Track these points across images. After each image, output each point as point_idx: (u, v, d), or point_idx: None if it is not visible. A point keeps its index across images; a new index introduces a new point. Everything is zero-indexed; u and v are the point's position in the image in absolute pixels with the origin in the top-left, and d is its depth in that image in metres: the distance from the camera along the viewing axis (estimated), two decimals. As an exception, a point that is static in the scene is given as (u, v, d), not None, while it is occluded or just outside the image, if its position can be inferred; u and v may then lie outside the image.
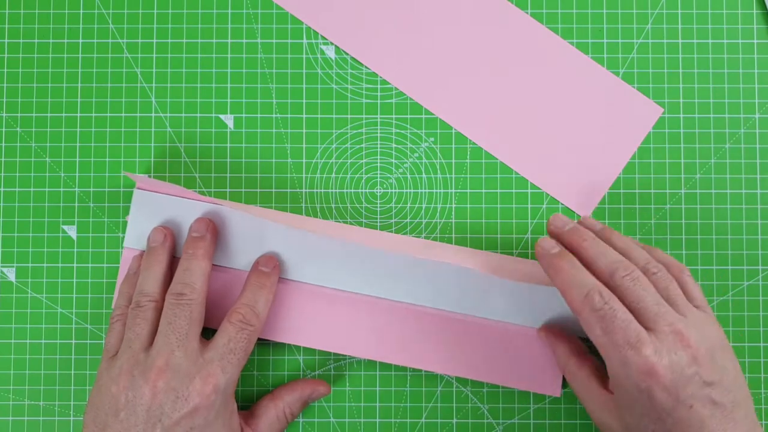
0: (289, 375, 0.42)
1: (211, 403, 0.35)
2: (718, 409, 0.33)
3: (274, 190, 0.42)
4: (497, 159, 0.43)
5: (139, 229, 0.41)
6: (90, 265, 0.42)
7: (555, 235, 0.37)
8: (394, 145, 0.43)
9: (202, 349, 0.37)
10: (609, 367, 0.35)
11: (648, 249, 0.38)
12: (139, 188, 0.41)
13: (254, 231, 0.41)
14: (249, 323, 0.38)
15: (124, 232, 0.42)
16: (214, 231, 0.40)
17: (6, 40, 0.43)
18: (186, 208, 0.40)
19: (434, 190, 0.43)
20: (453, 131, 0.43)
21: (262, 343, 0.42)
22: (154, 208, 0.41)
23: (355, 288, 0.41)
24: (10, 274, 0.42)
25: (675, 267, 0.37)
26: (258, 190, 0.42)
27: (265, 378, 0.42)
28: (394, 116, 0.43)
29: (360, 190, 0.43)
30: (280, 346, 0.42)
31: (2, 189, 0.42)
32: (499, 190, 0.43)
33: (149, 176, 0.42)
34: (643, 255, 0.36)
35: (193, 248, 0.39)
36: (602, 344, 0.34)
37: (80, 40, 0.43)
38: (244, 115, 0.43)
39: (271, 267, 0.40)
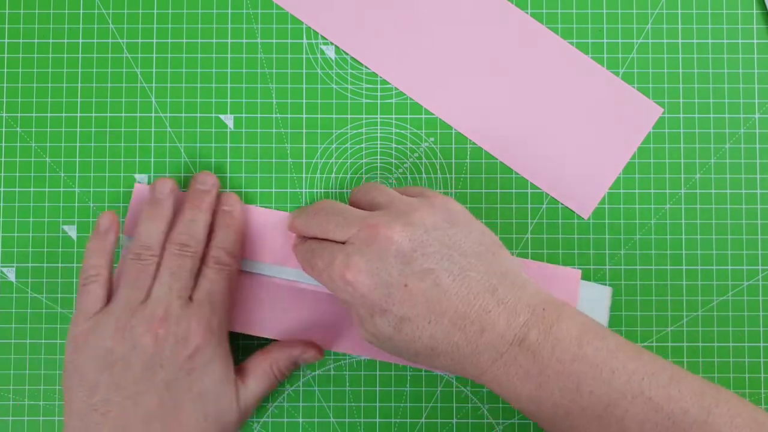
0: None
1: (208, 342, 0.36)
2: (443, 276, 0.33)
3: (274, 190, 0.42)
4: (497, 159, 0.43)
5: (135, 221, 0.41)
6: (90, 265, 0.42)
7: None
8: (394, 145, 0.43)
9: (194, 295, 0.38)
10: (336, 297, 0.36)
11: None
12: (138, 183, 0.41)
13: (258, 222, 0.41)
14: (224, 263, 0.38)
15: (124, 232, 0.42)
16: (218, 186, 0.40)
17: (6, 40, 0.43)
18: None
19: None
20: (453, 131, 0.43)
21: (263, 343, 0.42)
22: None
23: None
24: (10, 274, 0.42)
25: (398, 189, 0.39)
26: (258, 190, 0.42)
27: (265, 378, 0.42)
28: (394, 116, 0.43)
29: (360, 190, 0.43)
30: (280, 346, 0.42)
31: (2, 189, 0.42)
32: (499, 190, 0.43)
33: (150, 176, 0.42)
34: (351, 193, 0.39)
35: (199, 200, 0.39)
36: (320, 282, 0.36)
37: (80, 40, 0.43)
38: (244, 115, 0.43)
39: (231, 204, 0.40)
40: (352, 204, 0.38)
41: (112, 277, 0.38)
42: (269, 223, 0.41)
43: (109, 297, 0.38)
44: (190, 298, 0.37)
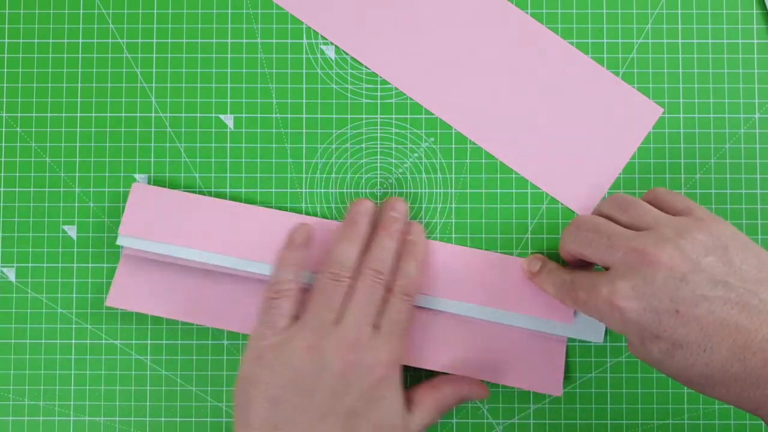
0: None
1: (392, 373, 0.36)
2: (718, 303, 0.31)
3: (274, 190, 0.42)
4: (497, 159, 0.43)
5: (134, 221, 0.41)
6: (90, 265, 0.42)
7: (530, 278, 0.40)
8: (394, 145, 0.43)
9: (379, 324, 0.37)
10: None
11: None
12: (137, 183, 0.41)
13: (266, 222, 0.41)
14: (408, 293, 0.38)
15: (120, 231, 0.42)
16: (407, 214, 0.40)
17: (6, 40, 0.43)
18: (186, 203, 0.41)
19: (434, 190, 0.43)
20: (453, 131, 0.43)
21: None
22: (153, 202, 0.41)
23: None
24: (10, 274, 0.42)
25: (648, 194, 0.37)
26: (258, 190, 0.42)
27: (265, 378, 0.42)
28: (394, 116, 0.43)
29: (360, 190, 0.43)
30: (280, 346, 0.42)
31: (2, 189, 0.42)
32: (499, 190, 0.43)
33: (150, 176, 0.42)
34: (600, 206, 0.38)
35: (391, 228, 0.39)
36: (582, 310, 0.35)
37: (80, 40, 0.43)
38: (244, 115, 0.43)
39: (414, 233, 0.40)
40: (599, 214, 0.37)
41: (301, 293, 0.38)
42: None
43: (297, 313, 0.38)
44: (376, 326, 0.37)
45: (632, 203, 0.36)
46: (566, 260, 0.38)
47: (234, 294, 0.41)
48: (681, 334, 0.32)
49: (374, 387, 0.36)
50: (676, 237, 0.33)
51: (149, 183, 0.42)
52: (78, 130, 0.43)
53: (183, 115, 0.43)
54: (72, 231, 0.42)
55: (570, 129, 0.43)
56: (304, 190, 0.43)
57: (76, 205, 0.42)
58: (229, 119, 0.43)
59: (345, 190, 0.43)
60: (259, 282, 0.41)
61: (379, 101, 0.43)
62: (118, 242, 0.41)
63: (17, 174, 0.43)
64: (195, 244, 0.40)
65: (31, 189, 0.42)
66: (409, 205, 0.41)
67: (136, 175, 0.42)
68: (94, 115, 0.43)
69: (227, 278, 0.41)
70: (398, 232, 0.39)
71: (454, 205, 0.43)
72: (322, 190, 0.43)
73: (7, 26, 0.43)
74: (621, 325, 0.33)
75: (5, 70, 0.43)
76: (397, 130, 0.43)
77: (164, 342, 0.42)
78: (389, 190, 0.43)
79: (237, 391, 0.36)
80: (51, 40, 0.43)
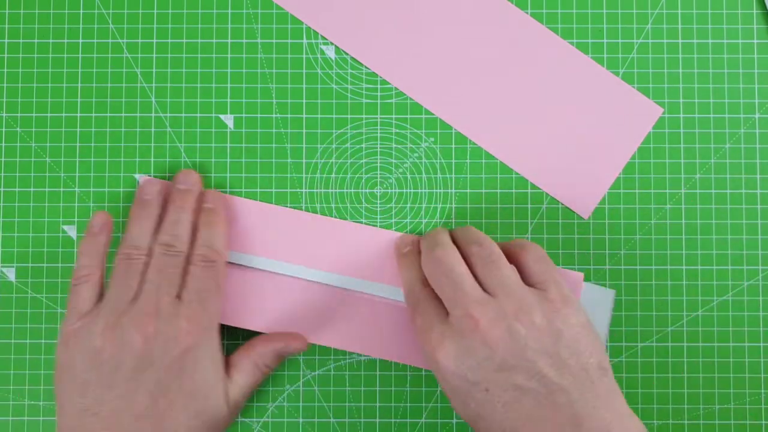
0: (289, 375, 0.42)
1: (198, 340, 0.36)
2: (528, 395, 0.33)
3: (274, 190, 0.42)
4: (497, 159, 0.43)
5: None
6: (90, 265, 0.42)
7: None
8: (394, 145, 0.43)
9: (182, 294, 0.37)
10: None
11: (514, 243, 0.39)
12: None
13: (261, 216, 0.41)
14: (210, 260, 0.38)
15: (124, 231, 0.42)
16: (199, 183, 0.41)
17: (6, 40, 0.43)
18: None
19: (434, 190, 0.43)
20: (453, 131, 0.43)
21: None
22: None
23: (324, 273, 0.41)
24: (10, 274, 0.42)
25: (516, 245, 0.38)
26: (258, 190, 0.42)
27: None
28: (394, 116, 0.43)
29: (360, 190, 0.43)
30: (280, 346, 0.42)
31: (2, 189, 0.42)
32: (499, 190, 0.43)
33: (150, 176, 0.42)
34: (472, 236, 0.38)
35: (181, 200, 0.39)
36: (415, 332, 0.37)
37: (80, 40, 0.43)
38: (244, 115, 0.43)
39: (211, 200, 0.40)
40: (462, 242, 0.38)
41: (103, 278, 0.38)
42: (255, 214, 0.41)
43: (101, 298, 0.38)
44: (179, 297, 0.37)
45: (494, 260, 0.36)
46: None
47: (236, 289, 0.41)
48: (487, 409, 0.33)
49: (181, 357, 0.36)
50: (514, 316, 0.34)
51: (149, 183, 0.42)
52: (78, 130, 0.43)
53: (183, 115, 0.43)
54: (72, 231, 0.42)
55: (570, 129, 0.43)
56: (304, 190, 0.43)
57: (76, 205, 0.42)
58: (229, 119, 0.43)
59: (345, 190, 0.43)
60: (246, 272, 0.41)
61: (379, 101, 0.43)
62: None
63: (17, 174, 0.43)
64: None
65: (31, 189, 0.42)
66: (201, 175, 0.41)
67: (136, 176, 0.42)
68: (94, 115, 0.43)
69: (230, 273, 0.41)
70: (190, 203, 0.39)
71: (454, 205, 0.43)
72: (322, 190, 0.43)
73: (7, 26, 0.43)
74: (437, 374, 0.35)
75: (5, 70, 0.43)
76: (397, 130, 0.43)
77: (164, 342, 0.42)
78: (389, 190, 0.43)
79: (54, 379, 0.37)
80: (51, 40, 0.43)
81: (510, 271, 0.36)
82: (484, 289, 0.35)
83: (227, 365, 0.39)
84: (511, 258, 0.37)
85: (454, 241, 0.38)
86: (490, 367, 0.33)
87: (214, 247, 0.39)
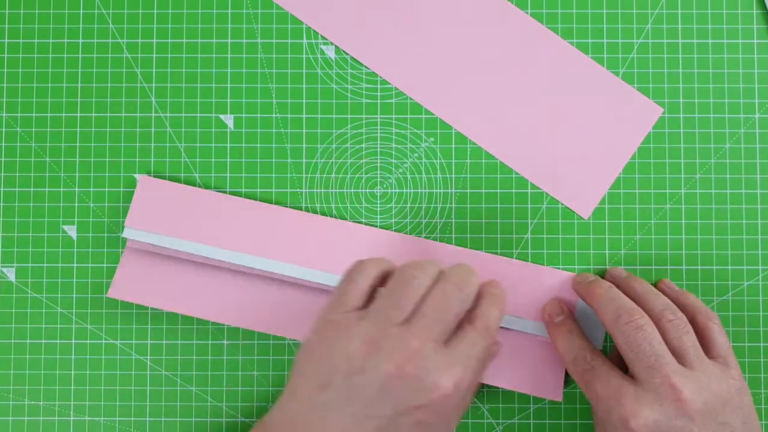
0: (289, 375, 0.42)
1: (449, 401, 0.33)
2: None
3: (274, 190, 0.42)
4: (497, 159, 0.43)
5: (141, 214, 0.41)
6: (90, 265, 0.42)
7: (577, 288, 0.40)
8: (394, 145, 0.43)
9: (448, 346, 0.34)
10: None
11: (679, 294, 0.40)
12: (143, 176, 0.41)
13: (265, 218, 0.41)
14: (490, 334, 0.36)
15: (126, 223, 0.42)
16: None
17: (6, 40, 0.43)
18: (193, 197, 0.41)
19: (434, 190, 0.43)
20: (453, 131, 0.43)
21: (263, 344, 0.42)
22: (159, 194, 0.41)
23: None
24: (10, 274, 0.42)
25: (702, 314, 0.38)
26: (258, 190, 0.42)
27: (265, 378, 0.42)
28: (394, 116, 0.43)
29: (360, 190, 0.43)
30: (280, 346, 0.42)
31: (2, 189, 0.42)
32: (499, 190, 0.43)
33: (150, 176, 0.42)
34: (661, 301, 0.38)
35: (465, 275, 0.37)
36: (590, 399, 0.37)
37: (80, 40, 0.43)
38: (244, 115, 0.43)
39: (500, 289, 0.38)
40: (654, 313, 0.37)
41: (376, 285, 0.37)
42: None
43: (370, 299, 0.36)
44: (445, 344, 0.34)
45: (688, 331, 0.37)
46: (582, 296, 0.40)
47: (238, 289, 0.41)
48: None
49: (425, 407, 0.33)
50: (707, 389, 0.35)
51: (149, 183, 0.42)
52: (78, 130, 0.43)
53: (183, 115, 0.43)
54: (72, 231, 0.42)
55: (570, 129, 0.43)
56: (304, 190, 0.43)
57: (76, 205, 0.42)
58: (229, 119, 0.43)
59: (345, 190, 0.43)
60: (265, 279, 0.41)
61: (379, 101, 0.43)
62: (123, 235, 0.41)
63: (17, 174, 0.43)
64: (201, 239, 0.41)
65: (31, 189, 0.42)
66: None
67: (136, 176, 0.42)
68: (94, 115, 0.43)
69: (231, 273, 0.41)
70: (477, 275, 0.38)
71: (454, 205, 0.43)
72: (322, 190, 0.43)
73: (7, 26, 0.43)
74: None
75: (5, 70, 0.43)
76: (397, 130, 0.43)
77: (164, 342, 0.42)
78: (389, 190, 0.43)
79: (297, 355, 0.35)
80: (51, 40, 0.43)
81: (698, 343, 0.37)
82: (677, 359, 0.36)
83: None
84: (693, 323, 0.38)
85: (632, 297, 0.38)
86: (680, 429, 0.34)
87: (495, 323, 0.36)
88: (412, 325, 0.34)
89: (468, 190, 0.43)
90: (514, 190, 0.43)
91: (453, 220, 0.42)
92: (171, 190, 0.41)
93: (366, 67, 0.43)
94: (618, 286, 0.39)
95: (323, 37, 0.43)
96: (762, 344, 0.42)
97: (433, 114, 0.43)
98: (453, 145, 0.43)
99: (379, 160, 0.43)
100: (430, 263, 0.36)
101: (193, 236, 0.41)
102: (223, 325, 0.42)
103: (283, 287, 0.41)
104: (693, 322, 0.38)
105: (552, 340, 0.40)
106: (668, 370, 0.35)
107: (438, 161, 0.43)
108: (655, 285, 0.41)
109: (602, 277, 0.41)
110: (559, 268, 0.42)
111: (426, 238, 0.42)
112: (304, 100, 0.43)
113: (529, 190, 0.43)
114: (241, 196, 0.42)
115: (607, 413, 0.35)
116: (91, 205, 0.42)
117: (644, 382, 0.35)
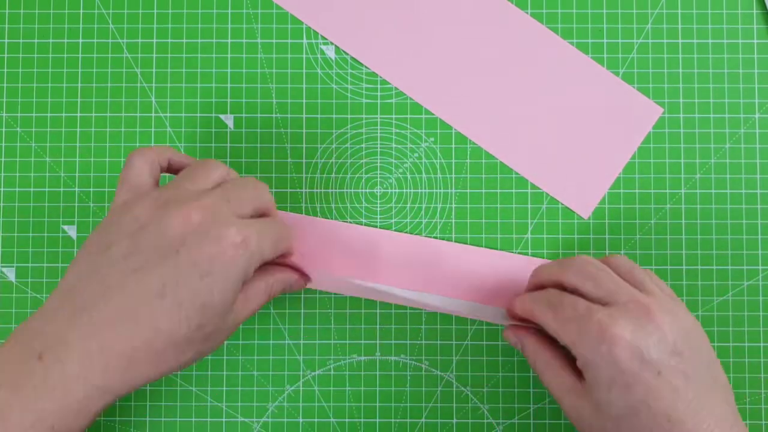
0: (289, 375, 0.42)
1: (236, 259, 0.32)
2: (692, 384, 0.33)
3: (274, 190, 0.42)
4: (497, 159, 0.43)
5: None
6: (90, 265, 0.42)
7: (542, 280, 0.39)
8: (394, 145, 0.43)
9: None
10: (569, 347, 0.34)
11: (608, 259, 0.38)
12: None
13: None
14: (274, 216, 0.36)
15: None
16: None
17: (6, 40, 0.43)
18: None
19: (434, 190, 0.43)
20: (453, 131, 0.43)
21: (263, 344, 0.42)
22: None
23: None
24: (10, 274, 0.42)
25: (635, 268, 0.37)
26: (258, 190, 0.42)
27: (265, 378, 0.42)
28: (394, 116, 0.43)
29: (360, 190, 0.43)
30: (280, 346, 0.42)
31: (2, 189, 0.42)
32: (499, 190, 0.43)
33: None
34: (595, 263, 0.37)
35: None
36: (556, 328, 0.35)
37: (80, 40, 0.43)
38: (244, 115, 0.43)
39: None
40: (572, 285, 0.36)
41: (159, 168, 0.36)
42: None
43: (155, 183, 0.35)
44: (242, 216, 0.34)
45: (639, 269, 0.36)
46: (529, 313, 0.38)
47: (329, 243, 0.41)
48: (653, 396, 0.32)
49: (210, 258, 0.32)
50: (673, 308, 0.34)
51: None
52: (78, 130, 0.43)
53: (183, 115, 0.43)
54: (72, 231, 0.42)
55: (570, 129, 0.43)
56: (304, 190, 0.43)
57: (76, 205, 0.42)
58: (229, 119, 0.43)
59: (345, 190, 0.43)
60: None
61: (379, 101, 0.43)
62: None
63: (17, 174, 0.43)
64: None
65: (31, 189, 0.42)
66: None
67: (136, 175, 0.42)
68: (94, 115, 0.43)
69: (321, 227, 0.41)
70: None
71: (454, 205, 0.43)
72: (322, 190, 0.43)
73: (7, 26, 0.43)
74: (599, 358, 0.33)
75: (5, 70, 0.43)
76: (397, 130, 0.43)
77: (164, 342, 0.42)
78: (389, 190, 0.43)
79: (89, 236, 0.34)
80: (51, 40, 0.43)
81: (639, 274, 0.36)
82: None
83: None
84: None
85: (567, 288, 0.38)
86: (664, 349, 0.33)
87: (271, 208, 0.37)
88: (207, 192, 0.33)
89: (468, 190, 0.43)
90: (514, 190, 0.43)
91: (453, 220, 0.42)
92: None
93: (366, 67, 0.43)
94: (553, 286, 0.38)
95: (323, 37, 0.43)
96: (762, 344, 0.42)
97: (433, 114, 0.43)
98: (453, 145, 0.43)
99: (379, 160, 0.43)
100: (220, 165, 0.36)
101: None
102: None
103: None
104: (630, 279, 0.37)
105: (517, 306, 0.38)
106: (633, 291, 0.34)
107: (438, 161, 0.43)
108: None
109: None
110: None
111: (426, 237, 0.42)
112: (304, 100, 0.43)
113: (529, 190, 0.43)
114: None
115: (580, 334, 0.33)
116: (91, 205, 0.42)
117: (614, 303, 0.34)
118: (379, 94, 0.43)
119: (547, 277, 0.37)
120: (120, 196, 0.35)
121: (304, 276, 0.39)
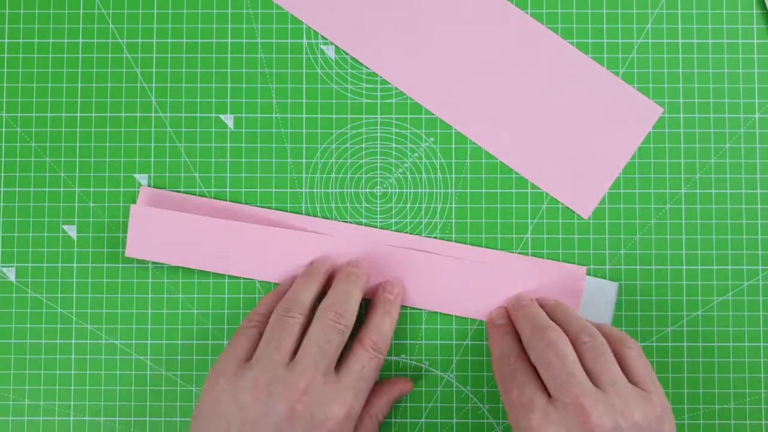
0: None
1: (342, 429, 0.35)
2: None
3: (274, 190, 0.42)
4: (497, 159, 0.43)
5: (140, 242, 0.41)
6: (90, 265, 0.42)
7: (509, 309, 0.40)
8: (394, 145, 0.43)
9: (337, 373, 0.36)
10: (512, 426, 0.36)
11: (598, 325, 0.39)
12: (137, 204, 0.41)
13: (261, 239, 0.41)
14: (380, 351, 0.38)
15: (124, 232, 0.42)
16: (367, 275, 0.40)
17: (6, 40, 0.43)
18: (187, 223, 0.41)
19: (434, 190, 0.43)
20: (453, 131, 0.43)
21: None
22: (155, 224, 0.41)
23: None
24: (10, 274, 0.42)
25: (620, 341, 0.37)
26: (258, 190, 0.42)
27: (265, 378, 0.42)
28: (394, 116, 0.43)
29: (360, 190, 0.43)
30: (280, 346, 0.42)
31: (2, 189, 0.42)
32: (499, 190, 0.43)
33: (150, 176, 0.42)
34: (579, 323, 0.37)
35: (354, 277, 0.39)
36: (504, 402, 0.36)
37: (80, 40, 0.43)
38: (244, 115, 0.43)
39: (395, 294, 0.40)
40: (573, 335, 0.37)
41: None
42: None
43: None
44: (332, 373, 0.36)
45: (604, 353, 0.36)
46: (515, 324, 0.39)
47: (254, 243, 0.41)
48: None
49: None
50: (621, 414, 0.33)
51: (149, 183, 0.42)
52: (78, 130, 0.43)
53: (183, 115, 0.43)
54: (72, 231, 0.42)
55: (570, 129, 0.43)
56: (304, 190, 0.43)
57: (76, 205, 0.42)
58: (229, 119, 0.43)
59: (345, 190, 0.43)
60: (279, 231, 0.41)
61: (379, 101, 0.43)
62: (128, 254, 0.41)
63: (17, 174, 0.43)
64: (203, 265, 0.41)
65: (31, 189, 0.42)
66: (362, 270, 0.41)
67: (136, 176, 0.42)
68: (94, 115, 0.43)
69: (248, 228, 0.41)
70: (362, 283, 0.39)
71: (454, 205, 0.43)
72: (322, 190, 0.43)
73: (7, 26, 0.43)
74: None
75: (5, 70, 0.43)
76: (397, 130, 0.43)
77: (164, 342, 0.42)
78: (389, 190, 0.43)
79: (193, 415, 0.36)
80: (51, 40, 0.43)
81: (617, 367, 0.36)
82: (592, 381, 0.35)
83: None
84: (614, 352, 0.37)
85: (554, 320, 0.38)
86: None
87: (386, 337, 0.38)
88: (296, 364, 0.35)
89: (468, 190, 0.43)
90: (514, 190, 0.43)
91: (453, 220, 0.42)
92: (164, 218, 0.41)
93: (366, 67, 0.43)
94: (545, 312, 0.39)
95: (323, 37, 0.43)
96: (762, 344, 0.42)
97: (433, 114, 0.43)
98: (453, 145, 0.43)
99: (379, 160, 0.43)
100: (305, 288, 0.38)
101: (195, 263, 0.41)
102: (223, 325, 0.42)
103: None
104: (614, 351, 0.37)
105: (488, 339, 0.40)
106: (579, 390, 0.34)
107: (438, 161, 0.43)
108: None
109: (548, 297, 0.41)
110: (560, 263, 0.42)
111: (426, 237, 0.42)
112: (304, 100, 0.43)
113: (529, 190, 0.43)
114: (241, 196, 0.42)
115: (515, 422, 0.35)
116: (91, 205, 0.42)
117: (555, 399, 0.34)
118: (379, 94, 0.43)
119: (520, 325, 0.38)
120: (220, 364, 0.36)
121: (406, 382, 0.41)
